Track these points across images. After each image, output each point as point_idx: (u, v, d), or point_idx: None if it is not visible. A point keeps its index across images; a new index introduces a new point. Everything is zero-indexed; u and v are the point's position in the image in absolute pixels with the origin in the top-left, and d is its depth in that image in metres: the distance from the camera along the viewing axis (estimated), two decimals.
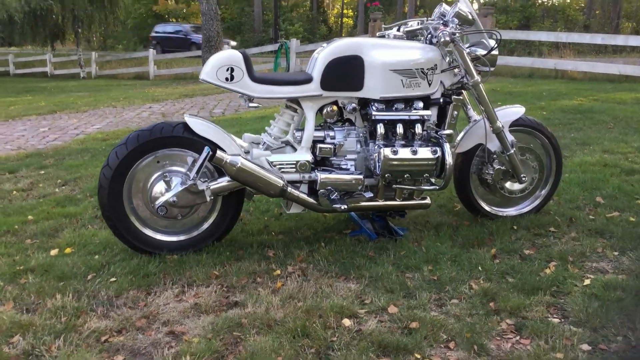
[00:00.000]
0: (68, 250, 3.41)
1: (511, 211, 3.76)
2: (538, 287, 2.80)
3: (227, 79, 3.17)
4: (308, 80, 3.25)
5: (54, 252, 3.39)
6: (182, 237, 3.32)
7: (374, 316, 2.61)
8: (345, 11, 43.16)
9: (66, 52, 24.16)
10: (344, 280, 2.98)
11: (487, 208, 3.73)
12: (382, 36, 3.64)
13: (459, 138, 3.62)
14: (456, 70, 3.44)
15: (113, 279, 3.00)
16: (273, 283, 2.94)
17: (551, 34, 13.57)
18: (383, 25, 3.54)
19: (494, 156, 3.59)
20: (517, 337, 2.43)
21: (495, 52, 3.49)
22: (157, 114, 9.55)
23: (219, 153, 3.06)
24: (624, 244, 3.31)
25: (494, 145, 3.57)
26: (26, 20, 20.26)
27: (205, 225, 3.34)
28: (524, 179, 3.61)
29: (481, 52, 3.50)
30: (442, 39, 3.20)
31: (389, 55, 3.26)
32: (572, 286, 2.84)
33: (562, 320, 2.57)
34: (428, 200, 3.44)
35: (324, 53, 3.26)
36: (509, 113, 3.63)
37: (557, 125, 6.80)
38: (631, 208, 3.87)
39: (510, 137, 3.57)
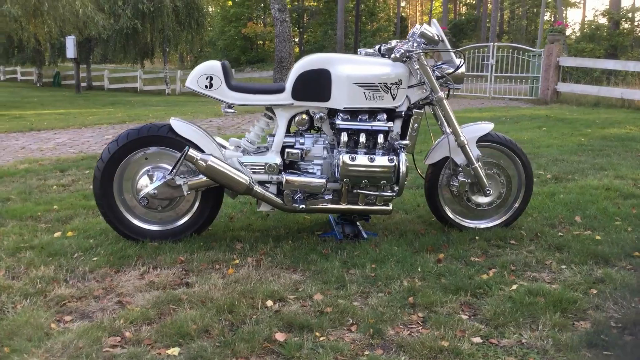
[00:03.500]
0: (70, 233, 3.88)
1: (480, 223, 3.91)
2: (463, 288, 2.98)
3: (206, 87, 3.57)
4: (281, 90, 3.60)
5: (57, 234, 3.87)
6: (163, 227, 3.71)
7: (299, 301, 2.88)
8: None
9: (156, 70, 25.73)
10: (291, 272, 3.27)
11: (455, 219, 3.90)
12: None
13: (430, 150, 3.84)
14: (425, 86, 3.67)
15: (95, 258, 3.43)
16: (228, 270, 3.26)
17: (618, 63, 13.24)
18: (364, 50, 3.83)
19: (459, 169, 3.78)
20: (420, 328, 2.64)
21: (462, 70, 3.69)
22: (213, 128, 10.15)
23: (191, 151, 3.45)
24: (574, 258, 3.41)
25: (460, 158, 3.76)
26: (118, 39, 21.90)
27: (185, 219, 3.72)
28: (488, 192, 3.77)
29: (450, 70, 3.71)
30: (394, 55, 3.46)
31: (353, 69, 3.55)
32: (497, 290, 2.99)
33: (471, 317, 2.75)
34: (389, 207, 3.67)
35: (296, 66, 3.60)
36: (477, 129, 3.81)
37: (587, 151, 6.78)
38: (605, 228, 3.93)
39: (475, 152, 3.75)
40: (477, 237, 3.74)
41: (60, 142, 8.63)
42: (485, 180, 3.76)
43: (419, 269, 3.25)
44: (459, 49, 3.79)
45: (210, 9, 27.28)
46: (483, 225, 3.90)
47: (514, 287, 3.02)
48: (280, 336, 2.50)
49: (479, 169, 3.74)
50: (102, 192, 3.63)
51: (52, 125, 10.87)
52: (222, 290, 2.98)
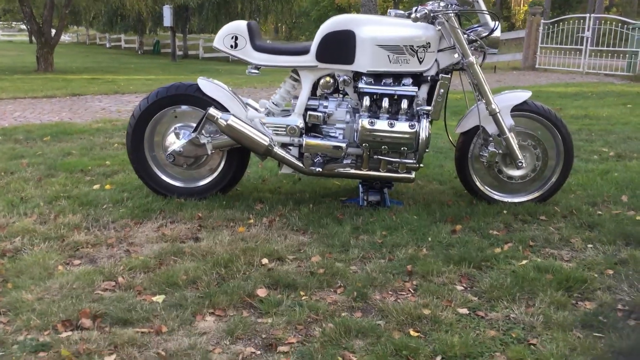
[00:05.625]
0: (108, 186, 4.07)
1: (512, 197, 3.73)
2: (468, 260, 2.87)
3: (231, 47, 3.60)
4: (305, 51, 3.56)
5: (96, 186, 4.07)
6: (190, 185, 3.81)
7: (297, 262, 2.89)
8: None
9: None
10: (300, 234, 3.27)
11: (485, 191, 3.74)
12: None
13: (462, 118, 3.70)
14: (457, 50, 3.51)
15: (122, 210, 3.58)
16: (243, 228, 3.31)
17: None
18: (394, 11, 3.69)
19: (490, 139, 3.61)
20: (409, 295, 2.58)
21: (497, 33, 3.50)
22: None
23: (211, 110, 3.50)
24: (603, 238, 3.19)
25: (491, 127, 3.59)
26: (210, 9, 22.41)
27: (211, 177, 3.80)
28: (520, 164, 3.58)
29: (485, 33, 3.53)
30: (414, 15, 3.32)
31: (378, 31, 3.45)
32: (505, 264, 2.86)
33: (467, 288, 2.65)
34: (412, 175, 3.57)
35: (322, 27, 3.55)
36: (512, 97, 3.62)
37: None
38: None
39: (509, 121, 3.56)
40: (505, 211, 3.57)
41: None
42: (517, 152, 3.57)
43: (430, 239, 3.16)
44: (490, 11, 3.57)
45: None
46: (515, 200, 3.72)
47: (524, 262, 2.88)
48: (262, 292, 2.52)
49: (510, 139, 3.55)
50: (133, 147, 3.76)
51: (137, 89, 11.35)
52: (226, 246, 3.03)
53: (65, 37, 44.70)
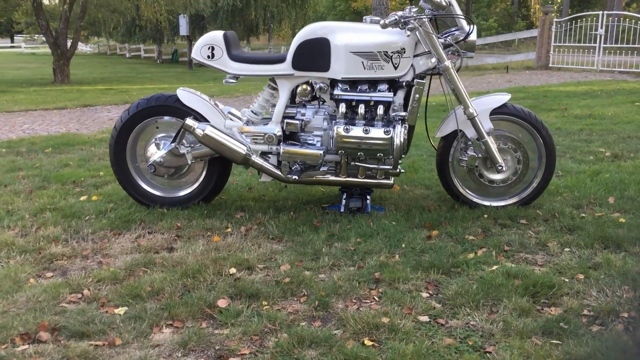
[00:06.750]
0: (95, 197, 4.12)
1: (493, 201, 3.69)
2: (438, 266, 2.85)
3: (208, 57, 3.62)
4: (281, 60, 3.57)
5: (83, 197, 4.12)
6: (172, 195, 3.84)
7: (266, 271, 2.89)
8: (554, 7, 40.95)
9: (264, 46, 26.32)
10: (275, 242, 3.27)
11: (467, 195, 3.71)
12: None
13: (441, 123, 3.67)
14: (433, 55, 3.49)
15: (104, 221, 3.61)
16: (218, 237, 3.32)
17: None
18: (369, 17, 3.67)
19: (470, 143, 3.57)
20: (372, 303, 2.56)
21: (473, 37, 3.47)
22: None
23: (188, 120, 3.52)
24: (581, 241, 3.14)
25: (471, 131, 3.56)
26: (224, 16, 22.59)
27: (193, 187, 3.82)
28: (500, 168, 3.54)
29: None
30: (383, 21, 3.31)
31: (351, 38, 3.45)
32: (475, 270, 2.83)
33: (432, 295, 2.63)
34: (390, 180, 3.55)
35: (297, 35, 3.56)
36: (490, 101, 3.58)
37: None
38: (637, 210, 3.57)
39: (487, 125, 3.53)
40: (485, 216, 3.54)
41: None
42: (497, 155, 3.53)
43: (404, 245, 3.14)
44: (464, 15, 3.54)
45: None
46: (497, 204, 3.67)
47: (494, 267, 2.84)
48: (222, 302, 2.53)
49: (489, 143, 3.51)
50: (116, 159, 3.80)
51: None
52: (198, 256, 3.04)
53: (86, 48, 45.51)
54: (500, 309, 2.47)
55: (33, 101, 11.22)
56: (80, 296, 2.64)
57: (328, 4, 36.01)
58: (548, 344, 2.20)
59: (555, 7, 39.70)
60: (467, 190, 3.72)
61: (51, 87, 14.78)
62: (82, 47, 43.88)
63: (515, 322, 2.34)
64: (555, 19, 15.19)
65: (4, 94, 12.75)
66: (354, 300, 2.59)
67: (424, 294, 2.62)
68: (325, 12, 34.42)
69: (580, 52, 14.25)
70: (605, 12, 14.23)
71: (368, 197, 3.81)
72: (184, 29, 23.08)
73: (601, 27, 13.89)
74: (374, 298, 2.61)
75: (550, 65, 14.87)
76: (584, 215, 3.55)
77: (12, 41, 50.41)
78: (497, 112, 3.58)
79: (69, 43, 16.83)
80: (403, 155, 3.49)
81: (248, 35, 25.40)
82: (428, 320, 2.40)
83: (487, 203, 3.69)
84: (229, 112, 3.79)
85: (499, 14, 33.54)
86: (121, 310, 2.50)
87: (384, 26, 3.35)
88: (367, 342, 2.23)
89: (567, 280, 2.71)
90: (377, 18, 3.67)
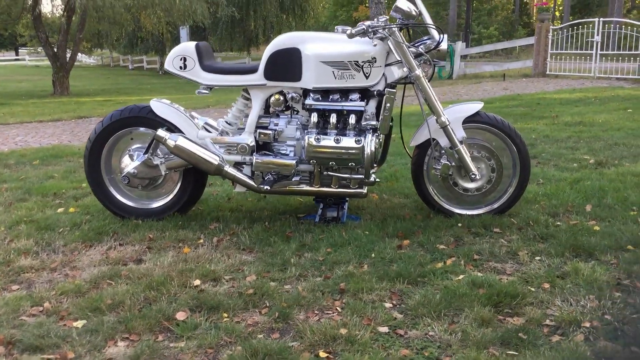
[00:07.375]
0: (72, 209, 4.11)
1: (469, 210, 3.66)
2: (404, 276, 2.82)
3: (180, 68, 3.62)
4: (253, 70, 3.57)
5: (60, 210, 4.11)
6: (147, 206, 3.83)
7: (231, 282, 2.87)
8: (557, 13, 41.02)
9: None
10: (246, 253, 3.25)
11: (442, 204, 3.69)
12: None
13: (415, 132, 3.66)
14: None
15: (77, 233, 3.60)
16: (189, 249, 3.30)
17: None
18: (340, 27, 3.65)
19: (443, 151, 3.55)
20: (334, 314, 2.53)
21: (443, 46, 3.46)
22: None
23: (159, 131, 3.52)
24: (552, 250, 3.11)
25: (444, 140, 3.54)
26: (224, 27, 22.70)
27: (168, 198, 3.81)
28: (474, 176, 3.52)
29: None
30: (350, 32, 3.30)
31: (322, 47, 3.44)
32: (441, 280, 2.80)
33: (395, 305, 2.60)
34: (364, 190, 3.53)
35: (269, 46, 3.55)
36: (463, 109, 3.56)
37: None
38: (614, 218, 3.54)
39: (460, 133, 3.51)
40: (459, 224, 3.51)
41: None
42: (470, 164, 3.51)
43: (373, 255, 3.11)
44: (433, 25, 3.53)
45: None
46: (472, 212, 3.65)
47: (461, 277, 2.81)
48: (181, 315, 2.51)
49: (462, 151, 3.49)
50: (90, 170, 3.80)
51: None
52: (165, 268, 3.02)
53: (90, 60, 45.79)
54: (461, 319, 2.44)
55: (29, 113, 11.27)
56: (42, 309, 2.63)
57: (330, 14, 36.18)
58: (504, 354, 2.17)
59: (557, 14, 39.81)
60: (442, 199, 3.70)
61: (50, 99, 14.86)
62: (85, 59, 44.21)
63: (475, 332, 2.32)
64: (552, 27, 15.17)
65: (2, 106, 12.81)
66: (316, 312, 2.56)
67: (387, 304, 2.60)
68: (327, 22, 34.55)
69: (578, 59, 14.22)
70: (602, 19, 14.18)
71: (344, 206, 3.80)
72: (184, 41, 23.19)
73: (597, 34, 13.87)
74: (336, 309, 2.58)
75: (548, 72, 14.84)
76: (559, 223, 3.52)
77: (17, 54, 50.81)
78: (471, 121, 3.56)
79: (68, 55, 16.93)
80: (375, 165, 3.47)
81: (248, 45, 25.52)
82: (387, 331, 2.38)
83: (462, 211, 3.66)
84: (206, 123, 3.78)
85: (500, 22, 33.57)
86: (79, 324, 2.48)
87: (351, 36, 3.34)
88: (322, 354, 2.21)
89: (533, 289, 2.68)
90: (348, 28, 3.67)
